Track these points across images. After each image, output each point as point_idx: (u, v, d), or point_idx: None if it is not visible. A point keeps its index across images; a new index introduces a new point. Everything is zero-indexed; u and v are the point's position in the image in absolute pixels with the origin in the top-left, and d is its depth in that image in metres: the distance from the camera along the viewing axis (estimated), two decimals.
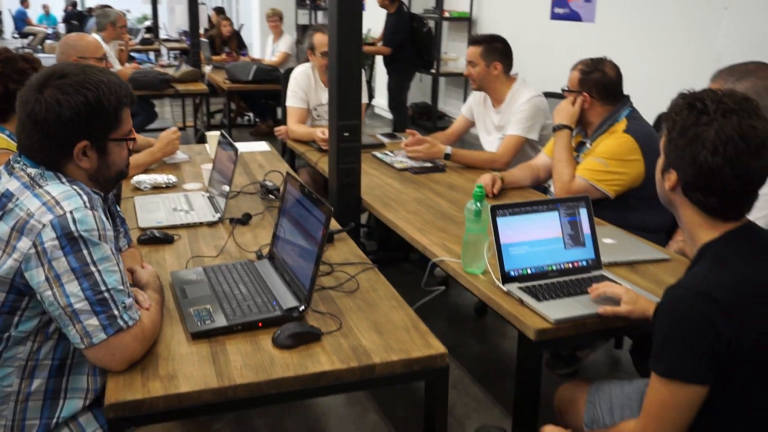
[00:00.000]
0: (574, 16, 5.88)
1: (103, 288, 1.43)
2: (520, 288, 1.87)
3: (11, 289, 1.44)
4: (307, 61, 3.92)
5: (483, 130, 3.47)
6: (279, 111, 7.67)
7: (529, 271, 1.94)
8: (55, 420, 1.53)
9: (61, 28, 18.58)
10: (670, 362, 1.28)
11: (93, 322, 1.42)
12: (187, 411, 1.43)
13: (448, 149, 3.23)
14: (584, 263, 2.00)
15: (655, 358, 1.30)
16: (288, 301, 1.74)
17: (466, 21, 7.48)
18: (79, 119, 1.50)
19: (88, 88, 1.50)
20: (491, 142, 3.38)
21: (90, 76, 1.51)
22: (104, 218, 1.50)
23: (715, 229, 1.37)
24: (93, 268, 1.43)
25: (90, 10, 17.37)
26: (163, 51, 10.38)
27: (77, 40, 3.18)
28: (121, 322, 1.45)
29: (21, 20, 17.40)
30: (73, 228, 1.42)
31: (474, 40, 3.34)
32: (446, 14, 7.53)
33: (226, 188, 2.48)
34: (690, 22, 4.53)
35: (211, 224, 2.38)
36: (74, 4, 17.49)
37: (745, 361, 1.27)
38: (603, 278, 1.94)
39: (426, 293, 2.30)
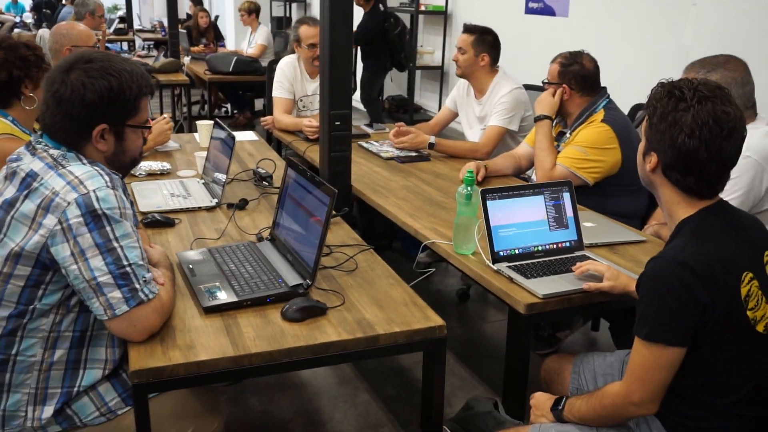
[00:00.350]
0: (548, 11, 6.03)
1: (125, 263, 1.52)
2: (509, 267, 1.99)
3: (37, 264, 1.52)
4: (293, 52, 4.00)
5: (465, 121, 3.59)
6: (257, 102, 7.75)
7: (517, 252, 2.07)
8: (76, 389, 1.62)
9: (29, 17, 18.30)
10: (652, 326, 1.41)
11: (116, 294, 1.51)
12: (207, 377, 1.53)
13: (432, 139, 3.34)
14: (568, 244, 2.13)
15: (639, 323, 1.44)
16: (293, 278, 1.84)
17: (441, 15, 7.60)
18: (101, 102, 1.58)
19: (112, 74, 1.59)
20: (474, 133, 3.50)
21: (115, 64, 1.60)
22: (124, 198, 1.59)
23: (691, 206, 1.51)
24: (116, 244, 1.52)
25: None
26: (138, 41, 10.34)
27: (70, 29, 3.22)
28: (142, 295, 1.54)
29: None
30: (96, 206, 1.51)
31: (467, 29, 3.45)
32: (422, 8, 7.64)
33: (221, 175, 2.56)
34: (660, 18, 4.70)
35: (209, 209, 2.46)
36: None
37: (717, 325, 1.40)
38: (585, 258, 2.07)
39: (415, 276, 2.42)
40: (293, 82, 3.90)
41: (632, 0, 4.97)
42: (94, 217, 1.51)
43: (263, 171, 2.83)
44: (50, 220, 1.50)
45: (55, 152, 1.60)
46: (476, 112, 3.49)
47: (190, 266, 1.92)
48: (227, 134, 2.59)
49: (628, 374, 1.46)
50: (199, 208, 2.46)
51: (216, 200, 2.49)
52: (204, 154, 2.86)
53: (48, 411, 1.59)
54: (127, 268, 1.53)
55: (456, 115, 3.72)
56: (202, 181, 2.75)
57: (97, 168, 1.59)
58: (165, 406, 1.65)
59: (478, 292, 3.70)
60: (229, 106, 7.93)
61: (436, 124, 3.73)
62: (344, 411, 2.61)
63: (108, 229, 1.52)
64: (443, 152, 3.34)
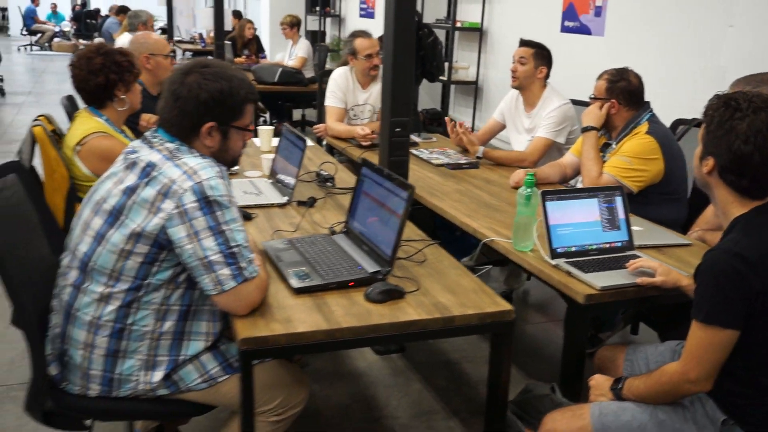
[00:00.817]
0: (583, 30, 6.20)
1: (233, 244, 1.71)
2: (567, 262, 2.16)
3: (154, 243, 1.72)
4: (345, 64, 4.20)
5: (514, 131, 3.77)
6: (294, 112, 7.98)
7: (573, 249, 2.23)
8: (181, 357, 1.81)
9: (68, 26, 18.83)
10: (709, 310, 1.57)
11: (225, 272, 1.70)
12: (304, 348, 1.71)
13: (480, 151, 3.53)
14: (620, 244, 2.29)
15: (696, 308, 1.60)
16: (370, 266, 2.02)
17: (477, 31, 7.79)
18: (212, 102, 1.79)
19: (224, 79, 1.79)
20: (521, 143, 3.67)
21: (227, 71, 1.81)
22: (230, 188, 1.78)
23: (744, 205, 1.67)
24: (225, 227, 1.71)
25: (97, 10, 17.61)
26: (178, 52, 10.65)
27: (146, 38, 3.46)
28: (246, 273, 1.73)
29: (30, 18, 17.63)
30: (209, 193, 1.70)
31: (526, 43, 3.64)
32: (458, 24, 7.84)
33: (288, 176, 2.77)
34: (696, 38, 4.85)
35: (281, 206, 2.66)
36: (83, 4, 17.72)
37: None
38: (637, 257, 2.23)
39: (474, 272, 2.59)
40: (346, 92, 4.11)
41: (669, 21, 5.12)
42: (207, 203, 1.70)
43: (326, 173, 3.03)
44: (168, 205, 1.69)
45: (170, 145, 1.80)
46: (525, 124, 3.66)
47: (276, 254, 2.11)
48: (298, 138, 2.79)
49: (686, 354, 1.62)
50: (272, 204, 2.66)
51: (287, 197, 2.69)
52: (271, 156, 3.07)
53: (157, 376, 1.79)
54: (235, 249, 1.72)
55: (503, 126, 3.89)
56: (270, 180, 2.95)
57: (207, 160, 1.78)
58: (260, 376, 1.83)
59: (518, 295, 3.86)
60: (267, 115, 8.17)
61: (483, 134, 3.90)
62: (399, 399, 2.78)
63: (219, 213, 1.71)
64: (491, 160, 3.52)
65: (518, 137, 3.77)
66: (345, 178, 3.13)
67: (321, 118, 4.34)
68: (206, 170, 1.74)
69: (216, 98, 1.79)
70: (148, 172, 1.75)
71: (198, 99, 1.78)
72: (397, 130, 2.93)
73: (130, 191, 1.74)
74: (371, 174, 2.23)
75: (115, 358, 1.77)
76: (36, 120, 2.56)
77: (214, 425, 2.32)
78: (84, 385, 1.79)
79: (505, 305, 1.88)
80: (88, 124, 2.56)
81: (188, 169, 1.73)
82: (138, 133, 2.88)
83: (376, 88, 4.13)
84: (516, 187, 3.01)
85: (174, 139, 1.81)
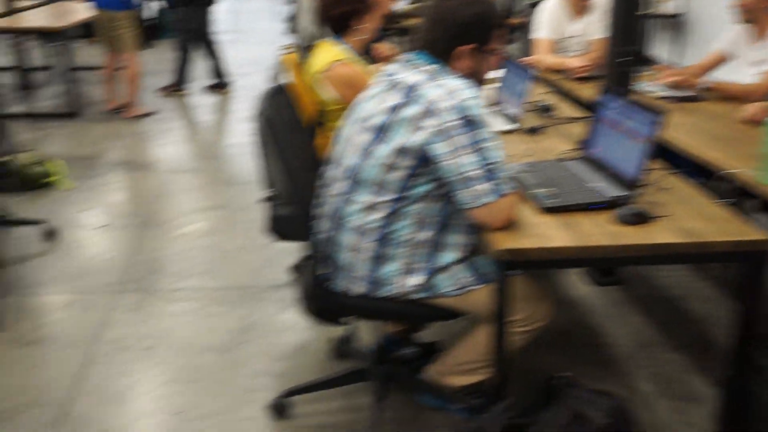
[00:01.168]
0: None
1: (491, 161, 1.80)
2: None
3: (417, 158, 1.84)
4: None
5: (738, 64, 3.54)
6: None
7: None
8: (437, 265, 1.95)
9: None
10: None
11: (482, 187, 1.80)
12: (557, 262, 1.78)
13: (706, 82, 3.36)
14: None
15: None
16: (613, 190, 2.04)
17: None
18: (468, 25, 1.89)
19: (478, 4, 1.89)
20: (746, 76, 3.45)
21: None
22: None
23: None
24: (483, 145, 1.80)
25: None
26: None
27: None
28: (502, 189, 1.81)
29: None
30: (469, 112, 1.79)
31: None
32: None
33: (510, 105, 2.82)
34: None
35: (508, 133, 2.72)
36: None
37: None
38: None
39: None
40: (557, 23, 4.04)
41: None
42: (468, 122, 1.79)
43: (545, 103, 3.04)
44: (432, 122, 1.81)
45: (431, 67, 1.91)
46: (753, 57, 3.42)
47: (517, 176, 2.18)
48: (521, 69, 2.82)
49: None
50: (500, 131, 2.72)
51: (516, 125, 2.74)
52: (493, 86, 3.12)
53: (413, 281, 1.94)
54: (492, 166, 1.80)
55: (724, 59, 3.67)
56: (493, 110, 3.01)
57: (465, 81, 1.87)
58: (511, 287, 1.92)
59: None
60: None
61: (704, 66, 3.70)
62: (618, 328, 2.79)
63: (477, 131, 1.80)
64: (720, 93, 3.34)
65: (744, 71, 3.53)
66: (564, 108, 3.13)
67: (523, 51, 4.31)
68: (465, 91, 1.83)
69: (472, 22, 1.89)
70: (410, 92, 1.87)
71: (456, 22, 1.88)
72: (623, 59, 2.87)
73: (394, 109, 1.87)
74: (614, 101, 2.22)
75: (378, 262, 1.94)
76: (286, 49, 2.78)
77: (451, 337, 2.47)
78: (348, 285, 1.99)
79: (761, 234, 1.83)
80: (331, 52, 2.73)
81: (449, 89, 1.83)
82: (371, 61, 3.03)
83: (589, 19, 4.02)
84: (751, 121, 2.86)
85: (436, 61, 1.92)
